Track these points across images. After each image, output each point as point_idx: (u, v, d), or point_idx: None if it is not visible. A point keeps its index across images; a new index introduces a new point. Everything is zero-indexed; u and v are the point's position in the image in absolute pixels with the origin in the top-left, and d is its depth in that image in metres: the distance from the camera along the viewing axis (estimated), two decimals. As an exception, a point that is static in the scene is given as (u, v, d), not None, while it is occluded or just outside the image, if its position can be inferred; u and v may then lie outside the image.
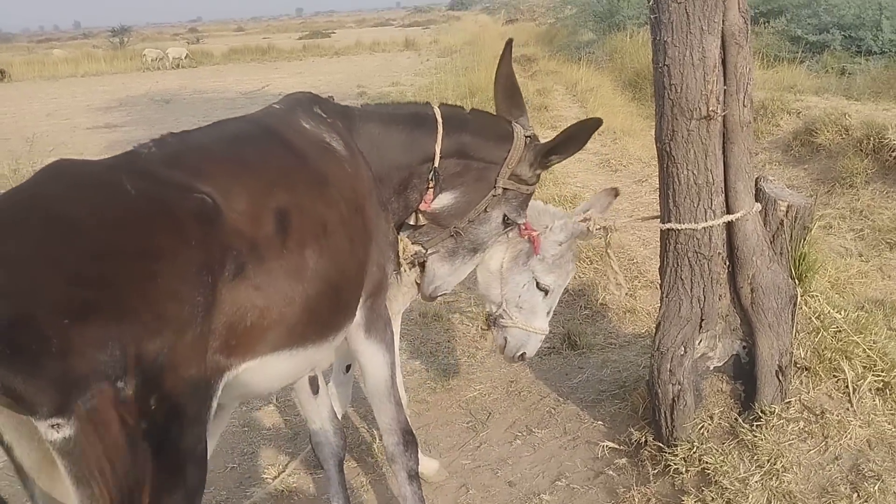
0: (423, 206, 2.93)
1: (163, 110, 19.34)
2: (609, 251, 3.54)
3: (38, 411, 1.56)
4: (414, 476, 2.92)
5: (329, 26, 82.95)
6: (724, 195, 3.21)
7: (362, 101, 18.17)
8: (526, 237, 3.26)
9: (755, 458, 3.12)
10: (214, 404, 1.97)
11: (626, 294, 5.23)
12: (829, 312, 3.38)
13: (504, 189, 2.95)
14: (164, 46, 40.23)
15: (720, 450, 3.20)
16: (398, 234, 2.95)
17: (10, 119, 19.56)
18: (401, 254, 2.95)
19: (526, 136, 2.96)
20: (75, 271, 1.65)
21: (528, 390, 4.50)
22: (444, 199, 2.95)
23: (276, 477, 3.76)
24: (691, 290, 3.29)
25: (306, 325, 2.25)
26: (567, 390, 4.41)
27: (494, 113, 3.07)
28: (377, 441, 3.92)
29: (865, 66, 11.72)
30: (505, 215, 3.00)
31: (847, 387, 3.27)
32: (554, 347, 4.98)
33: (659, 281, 3.53)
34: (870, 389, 3.28)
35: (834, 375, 3.31)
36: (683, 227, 3.16)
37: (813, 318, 3.40)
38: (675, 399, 3.34)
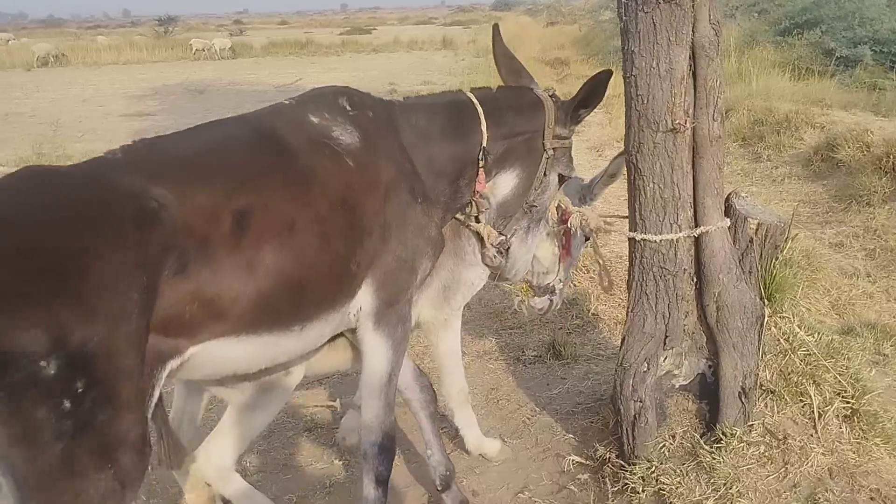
0: (479, 188, 2.97)
1: (195, 100, 19.55)
2: (598, 250, 3.70)
3: None
4: (382, 482, 2.90)
5: (371, 22, 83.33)
6: (692, 210, 3.14)
7: (393, 98, 18.20)
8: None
9: (711, 481, 3.04)
10: (155, 392, 2.10)
11: (610, 293, 5.19)
12: (798, 335, 3.28)
13: (552, 150, 3.02)
14: (208, 37, 40.62)
15: (678, 470, 3.13)
16: (477, 222, 3.06)
17: (48, 104, 19.91)
18: (486, 241, 3.07)
19: (551, 97, 3.04)
20: (11, 265, 1.80)
21: (508, 398, 4.45)
22: (507, 181, 3.02)
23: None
24: (656, 306, 3.23)
25: (259, 315, 2.34)
26: (545, 401, 4.36)
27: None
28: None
29: (897, 82, 11.47)
30: (560, 174, 3.10)
31: (813, 412, 3.18)
32: (539, 356, 4.93)
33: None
34: (837, 416, 3.18)
35: (800, 400, 3.22)
36: (639, 237, 3.11)
37: (781, 340, 3.31)
38: (637, 416, 3.27)
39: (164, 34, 51.34)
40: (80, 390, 1.78)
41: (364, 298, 2.66)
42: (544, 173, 3.02)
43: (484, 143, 2.89)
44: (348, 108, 2.67)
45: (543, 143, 2.99)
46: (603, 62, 20.25)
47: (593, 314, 5.45)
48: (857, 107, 10.60)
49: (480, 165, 2.92)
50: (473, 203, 3.02)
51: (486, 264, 3.19)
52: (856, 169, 8.11)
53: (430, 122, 2.87)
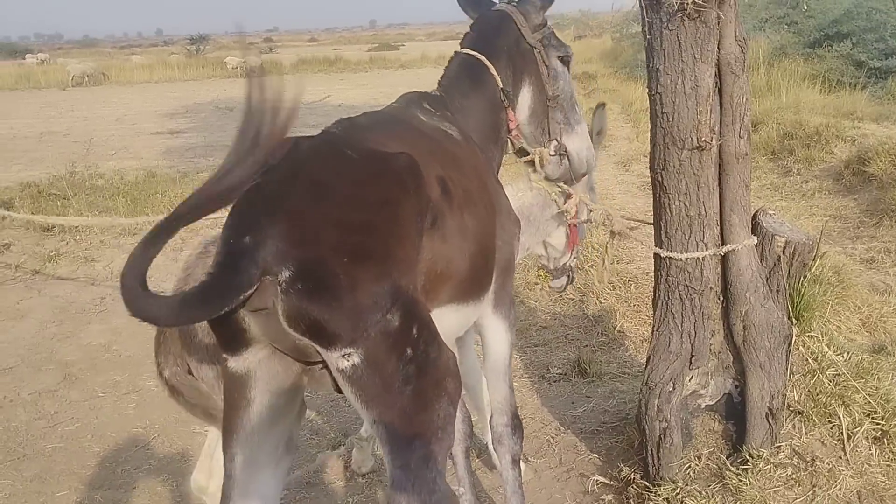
0: (512, 126, 3.09)
1: (225, 118, 19.74)
2: (608, 249, 3.71)
3: (335, 342, 1.81)
4: (517, 461, 2.98)
5: (399, 38, 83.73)
6: (718, 228, 3.10)
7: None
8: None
9: (738, 503, 2.99)
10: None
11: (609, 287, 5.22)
12: (827, 355, 3.22)
13: (539, 42, 3.11)
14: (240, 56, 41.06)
15: (704, 493, 3.08)
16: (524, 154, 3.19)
17: (82, 122, 20.23)
18: (543, 159, 3.15)
19: (506, 3, 3.17)
20: (340, 220, 1.88)
21: (532, 416, 4.42)
22: (524, 97, 3.12)
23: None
24: (682, 325, 3.19)
25: (470, 281, 2.45)
26: (570, 419, 4.32)
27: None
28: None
29: (931, 94, 11.29)
30: (559, 56, 3.15)
31: (841, 434, 3.11)
32: (564, 374, 4.89)
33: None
34: (866, 437, 3.11)
35: (829, 421, 3.16)
36: (664, 254, 3.07)
37: (810, 360, 3.25)
38: (662, 436, 3.23)
39: (196, 53, 51.98)
40: (415, 335, 1.90)
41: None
42: (545, 65, 3.11)
43: (500, 85, 3.01)
44: (431, 108, 2.81)
45: (528, 42, 3.09)
46: (631, 75, 20.19)
47: (619, 331, 5.41)
48: (890, 119, 10.45)
49: (506, 106, 3.04)
50: (510, 141, 3.15)
51: (555, 179, 3.25)
52: (888, 183, 7.98)
53: (466, 97, 2.98)
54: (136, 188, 10.32)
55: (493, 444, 2.99)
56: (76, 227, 8.52)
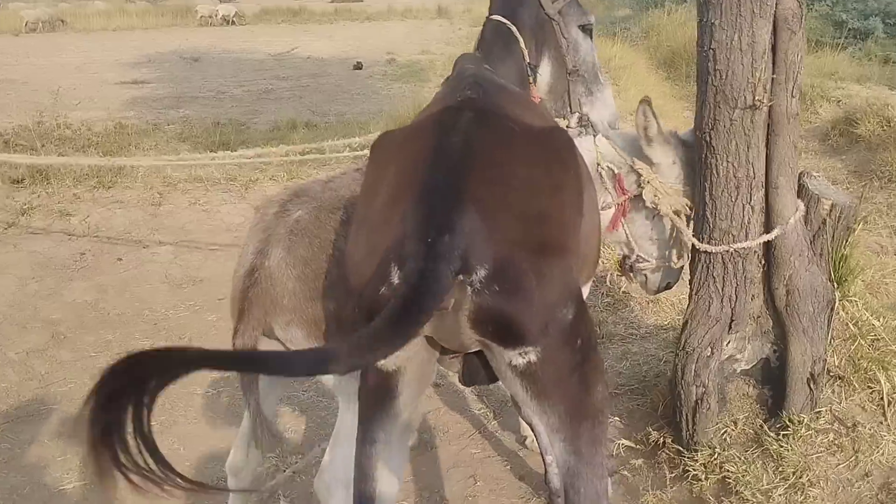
0: (536, 101, 2.92)
1: (191, 68, 19.19)
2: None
3: (519, 341, 1.72)
4: None
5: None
6: (764, 191, 3.02)
7: (391, 68, 17.99)
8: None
9: (780, 469, 2.96)
10: None
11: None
12: (867, 319, 3.18)
13: (558, 13, 3.00)
14: (196, 5, 39.85)
15: (743, 458, 3.04)
16: None
17: (40, 71, 19.47)
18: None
19: None
20: (522, 210, 1.75)
21: (546, 379, 4.35)
22: (544, 69, 3.03)
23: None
24: (722, 289, 3.11)
25: (596, 255, 2.43)
26: (585, 381, 4.26)
27: None
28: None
29: (911, 56, 11.34)
30: (579, 25, 3.05)
31: (882, 399, 3.09)
32: (574, 335, 4.83)
33: (684, 272, 3.36)
34: (906, 403, 3.10)
35: (869, 386, 3.13)
36: (710, 248, 2.99)
37: (850, 325, 3.21)
38: (699, 402, 3.17)
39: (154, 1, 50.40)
40: (584, 325, 1.84)
41: None
42: (563, 37, 3.01)
43: (527, 60, 2.90)
44: (492, 71, 2.67)
45: (547, 13, 2.99)
46: (604, 31, 20.02)
47: (624, 292, 5.35)
48: (872, 80, 10.49)
49: (531, 81, 2.93)
50: None
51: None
52: (876, 144, 8.00)
53: (503, 64, 2.86)
54: (108, 139, 9.98)
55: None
56: (47, 179, 8.23)
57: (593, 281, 3.16)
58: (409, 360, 1.87)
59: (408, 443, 2.11)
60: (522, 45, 2.88)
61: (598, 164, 3.05)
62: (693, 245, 3.17)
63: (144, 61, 21.00)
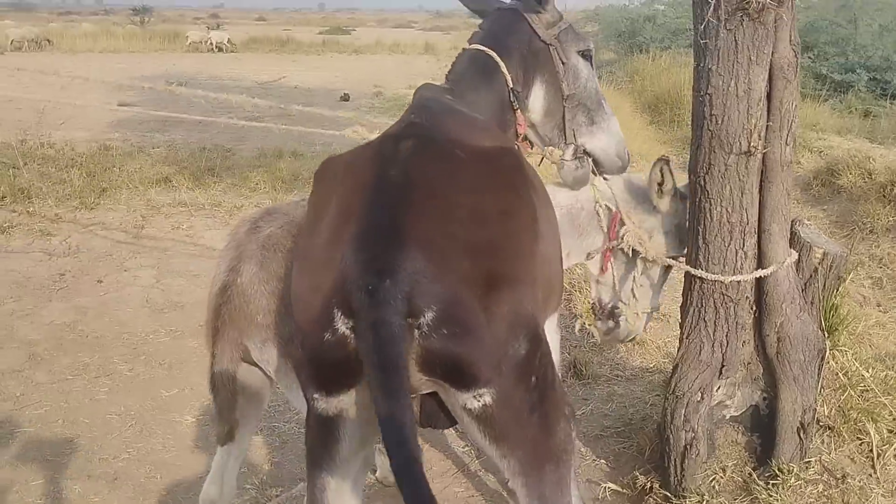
0: (520, 130, 2.91)
1: (178, 92, 19.13)
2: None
3: (471, 384, 1.65)
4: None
5: (350, 23, 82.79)
6: (756, 237, 3.03)
7: (378, 101, 18.07)
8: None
9: (768, 519, 2.93)
10: None
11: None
12: (856, 369, 3.18)
13: (555, 38, 2.94)
14: (184, 30, 39.93)
15: (731, 506, 3.01)
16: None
17: (25, 90, 19.35)
18: (560, 162, 2.95)
19: (518, 1, 2.99)
20: (468, 242, 1.69)
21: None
22: (537, 95, 2.95)
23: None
24: (714, 334, 3.11)
25: (560, 281, 2.34)
26: (569, 422, 4.22)
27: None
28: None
29: (891, 110, 11.53)
30: (578, 51, 2.99)
31: (871, 451, 3.08)
32: (561, 376, 4.79)
33: (671, 315, 3.36)
34: (895, 456, 3.08)
35: (858, 437, 3.12)
36: (707, 276, 2.98)
37: (840, 375, 3.21)
38: (688, 447, 3.14)
39: (141, 24, 50.54)
40: (538, 360, 1.76)
41: None
42: (562, 62, 2.94)
43: (510, 85, 2.82)
44: (453, 100, 2.64)
45: (542, 40, 2.92)
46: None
47: (591, 342, 5.32)
48: (852, 133, 10.63)
49: (515, 108, 2.85)
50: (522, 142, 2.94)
51: (571, 185, 3.04)
52: (858, 196, 8.09)
53: (475, 93, 2.79)
54: (92, 161, 9.93)
55: None
56: (28, 198, 8.15)
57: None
58: (351, 404, 1.80)
59: (363, 480, 2.03)
60: (505, 70, 2.81)
61: (597, 202, 3.06)
62: (684, 288, 3.18)
63: (129, 84, 20.93)
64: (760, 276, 3.01)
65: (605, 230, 3.11)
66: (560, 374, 2.71)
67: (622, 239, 3.08)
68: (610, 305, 3.24)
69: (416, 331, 1.58)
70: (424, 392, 1.80)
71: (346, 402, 1.78)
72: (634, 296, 3.17)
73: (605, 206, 3.07)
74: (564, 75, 2.94)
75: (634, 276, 3.16)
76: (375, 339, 1.51)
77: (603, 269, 3.20)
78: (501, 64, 2.81)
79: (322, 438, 1.86)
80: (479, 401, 1.67)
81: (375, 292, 1.52)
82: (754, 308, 3.09)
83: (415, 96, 2.60)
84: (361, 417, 1.83)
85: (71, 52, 33.24)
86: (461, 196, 1.76)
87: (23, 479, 3.71)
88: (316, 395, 1.80)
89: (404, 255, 1.57)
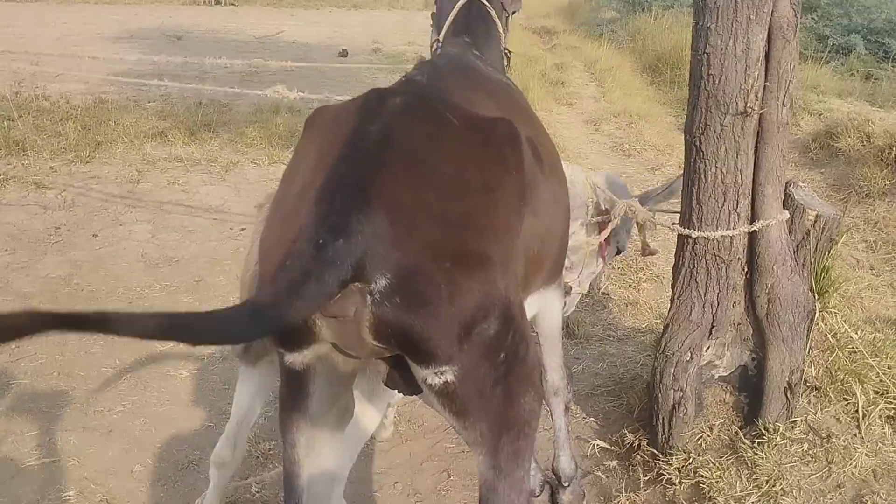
0: None
1: (174, 46, 18.94)
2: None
3: (429, 360, 1.61)
4: (569, 408, 3.12)
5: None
6: (750, 198, 3.02)
7: (376, 57, 17.88)
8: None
9: (754, 476, 2.97)
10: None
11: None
12: (845, 331, 3.20)
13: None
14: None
15: (717, 464, 3.06)
16: None
17: (20, 40, 19.14)
18: None
19: None
20: (442, 212, 1.62)
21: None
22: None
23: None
24: (705, 295, 3.12)
25: (558, 257, 2.29)
26: (561, 380, 4.26)
27: None
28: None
29: (892, 73, 11.43)
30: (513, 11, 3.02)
31: (857, 412, 3.11)
32: (551, 334, 4.83)
33: (664, 276, 3.39)
34: (880, 417, 3.12)
35: (844, 398, 3.16)
36: (696, 234, 2.99)
37: (828, 336, 3.23)
38: (676, 406, 3.18)
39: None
40: (510, 338, 1.71)
41: None
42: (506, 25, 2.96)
43: (504, 45, 2.83)
44: (480, 55, 2.62)
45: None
46: (590, 33, 20.02)
47: (603, 293, 5.36)
48: (853, 95, 10.55)
49: (506, 66, 2.88)
50: None
51: None
52: (856, 159, 8.06)
53: (489, 50, 2.77)
54: (87, 114, 9.86)
55: (548, 396, 2.95)
56: (24, 150, 8.11)
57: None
58: (316, 358, 1.77)
59: (343, 432, 1.99)
60: (500, 29, 2.80)
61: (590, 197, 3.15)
62: (676, 249, 3.20)
63: (126, 37, 20.70)
64: (751, 234, 3.02)
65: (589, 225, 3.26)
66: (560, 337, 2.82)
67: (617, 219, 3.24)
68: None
69: (369, 297, 1.52)
70: (388, 356, 1.76)
71: (309, 357, 1.76)
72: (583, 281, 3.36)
73: (597, 202, 3.17)
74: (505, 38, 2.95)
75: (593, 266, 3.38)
76: (294, 283, 1.43)
77: (602, 257, 3.44)
78: (499, 24, 2.81)
79: (291, 393, 1.84)
80: (440, 377, 1.64)
81: (324, 248, 1.45)
82: (746, 269, 3.11)
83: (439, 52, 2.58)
84: (330, 373, 1.81)
85: (66, 2, 32.83)
86: (443, 163, 1.69)
87: (18, 430, 3.74)
88: (280, 350, 1.79)
89: (366, 215, 1.50)
